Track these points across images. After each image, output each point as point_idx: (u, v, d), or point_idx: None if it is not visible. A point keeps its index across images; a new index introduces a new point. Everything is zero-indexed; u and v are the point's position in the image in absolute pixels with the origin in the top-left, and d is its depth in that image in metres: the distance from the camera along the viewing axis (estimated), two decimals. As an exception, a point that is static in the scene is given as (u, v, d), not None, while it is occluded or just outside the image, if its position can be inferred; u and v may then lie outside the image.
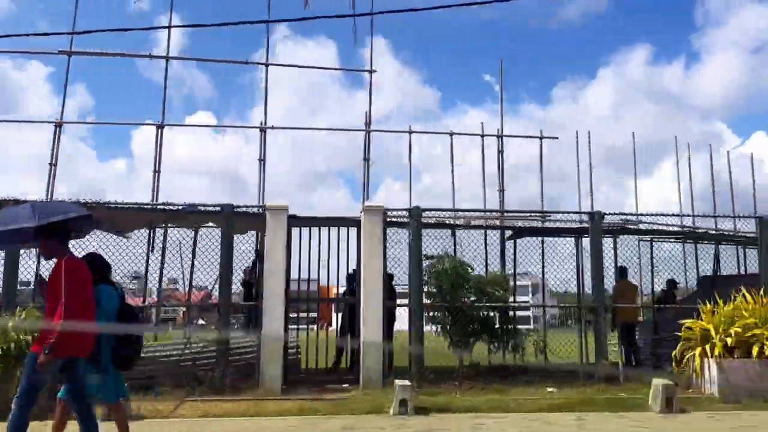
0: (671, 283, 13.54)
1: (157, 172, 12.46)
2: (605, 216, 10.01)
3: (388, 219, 9.69)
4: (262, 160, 12.82)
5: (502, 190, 13.91)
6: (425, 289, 9.76)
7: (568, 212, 10.85)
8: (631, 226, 10.81)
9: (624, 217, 10.45)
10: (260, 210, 9.20)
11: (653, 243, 13.62)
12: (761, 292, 9.19)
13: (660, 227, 11.07)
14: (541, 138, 14.32)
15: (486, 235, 12.68)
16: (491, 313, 9.87)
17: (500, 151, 14.13)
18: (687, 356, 8.97)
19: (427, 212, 10.80)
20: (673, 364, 9.21)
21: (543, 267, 12.83)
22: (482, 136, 14.21)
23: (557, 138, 15.13)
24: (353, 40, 14.90)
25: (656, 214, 10.60)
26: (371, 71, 14.06)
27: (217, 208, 9.08)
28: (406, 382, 7.78)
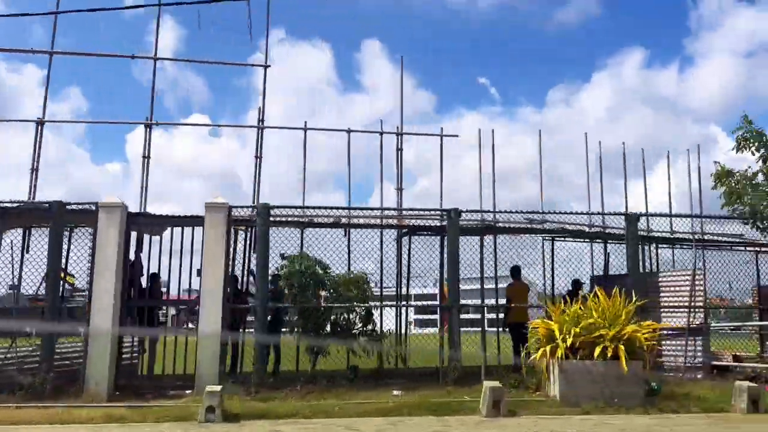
0: (576, 283, 13.27)
1: (35, 170, 12.14)
2: (462, 213, 9.67)
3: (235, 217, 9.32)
4: (147, 158, 12.47)
5: (400, 189, 13.59)
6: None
7: (426, 209, 10.49)
8: (500, 225, 10.47)
9: (484, 215, 10.10)
10: (93, 207, 8.79)
11: (560, 243, 13.43)
12: (614, 291, 8.88)
13: (532, 226, 10.73)
14: (441, 136, 14.08)
15: (382, 235, 12.37)
16: (345, 315, 9.50)
17: (399, 149, 13.80)
18: (533, 357, 8.63)
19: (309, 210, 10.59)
20: (523, 365, 8.88)
21: (441, 267, 12.48)
22: (381, 133, 13.90)
23: (457, 136, 14.96)
24: (249, 32, 14.61)
25: (527, 212, 10.29)
26: (266, 66, 13.80)
27: (46, 205, 8.67)
28: (216, 388, 7.38)
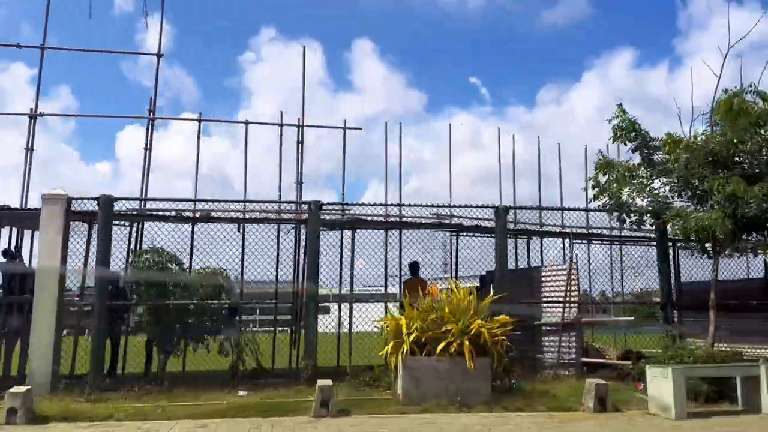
0: (484, 279, 13.02)
1: None
2: (323, 206, 9.30)
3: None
4: (30, 150, 11.95)
5: (299, 183, 13.25)
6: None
7: (284, 201, 10.12)
8: (368, 218, 10.13)
9: (347, 207, 9.75)
10: None
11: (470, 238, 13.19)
12: (462, 285, 8.58)
13: (413, 219, 10.42)
14: (344, 129, 13.74)
15: (279, 229, 12.00)
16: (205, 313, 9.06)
17: (299, 142, 13.46)
18: (380, 354, 8.30)
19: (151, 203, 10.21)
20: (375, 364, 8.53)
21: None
22: (281, 125, 13.52)
23: (361, 129, 14.72)
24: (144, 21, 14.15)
25: (393, 205, 9.96)
26: (158, 55, 13.46)
27: None
28: (21, 389, 6.92)
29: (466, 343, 7.81)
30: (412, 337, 7.89)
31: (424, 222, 10.49)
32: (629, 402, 8.13)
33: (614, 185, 9.55)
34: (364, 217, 9.96)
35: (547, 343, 10.46)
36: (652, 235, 12.05)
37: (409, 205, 9.93)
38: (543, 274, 10.78)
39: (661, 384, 7.44)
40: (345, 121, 13.71)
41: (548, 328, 10.35)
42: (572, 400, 8.02)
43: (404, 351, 7.91)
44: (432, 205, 10.17)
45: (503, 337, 8.18)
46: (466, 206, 10.01)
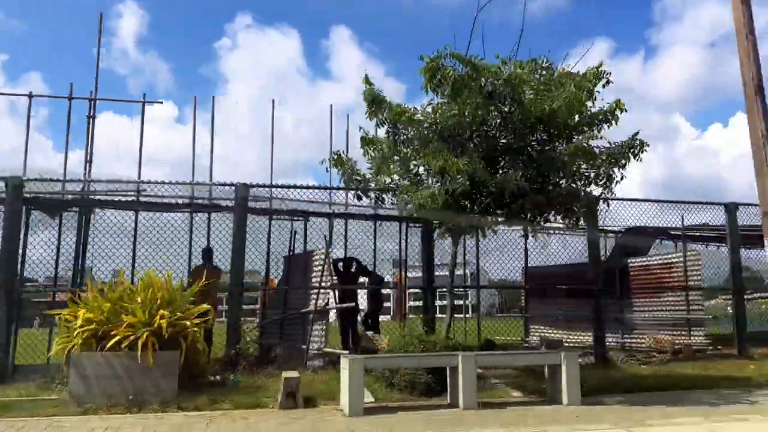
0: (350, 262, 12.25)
1: None
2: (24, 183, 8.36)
3: None
4: None
5: (88, 161, 12.22)
6: None
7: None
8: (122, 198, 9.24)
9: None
10: None
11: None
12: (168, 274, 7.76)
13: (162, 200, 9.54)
14: (144, 103, 12.77)
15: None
16: None
17: (91, 117, 12.44)
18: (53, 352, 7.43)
19: None
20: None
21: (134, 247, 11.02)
22: (70, 99, 12.45)
23: (161, 102, 13.85)
24: None
25: (145, 182, 9.09)
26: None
27: None
28: None
29: (144, 336, 7.00)
30: (79, 330, 7.06)
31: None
32: (336, 397, 7.46)
33: (378, 162, 8.83)
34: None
35: (314, 332, 9.74)
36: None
37: (118, 181, 9.01)
38: (313, 258, 10.03)
39: (345, 376, 6.76)
40: (144, 94, 12.82)
41: (313, 316, 9.63)
42: (276, 396, 7.30)
43: (73, 346, 7.05)
44: (164, 183, 9.28)
45: (196, 329, 7.40)
46: (207, 184, 9.16)
